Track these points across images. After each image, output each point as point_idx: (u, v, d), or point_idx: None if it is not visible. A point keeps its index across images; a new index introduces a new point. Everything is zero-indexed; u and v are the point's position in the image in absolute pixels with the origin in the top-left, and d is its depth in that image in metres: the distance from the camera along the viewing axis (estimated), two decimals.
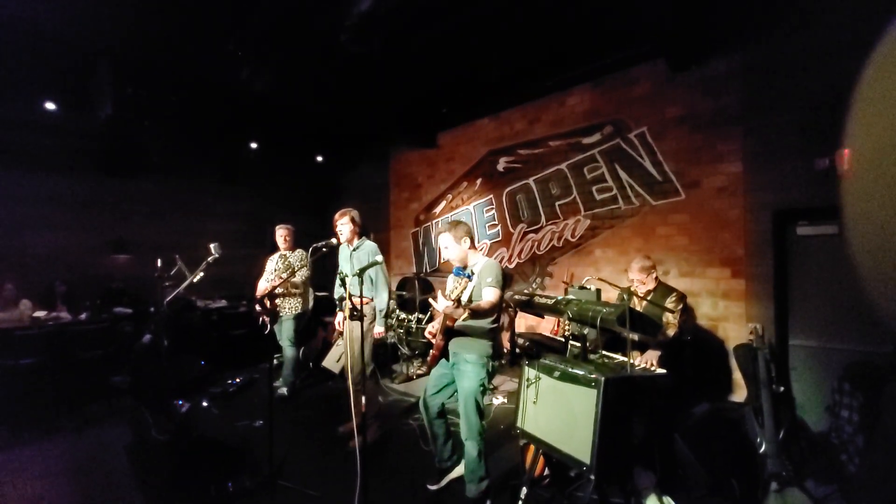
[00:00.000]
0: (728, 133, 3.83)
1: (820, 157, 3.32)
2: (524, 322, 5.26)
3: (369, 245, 3.41)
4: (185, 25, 3.66)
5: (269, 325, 4.21)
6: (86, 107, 4.56)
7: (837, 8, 3.25)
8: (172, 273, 4.06)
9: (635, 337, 2.97)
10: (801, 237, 3.54)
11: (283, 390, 4.35)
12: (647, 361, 2.87)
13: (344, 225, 3.39)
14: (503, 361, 5.26)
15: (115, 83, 4.25)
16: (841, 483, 2.57)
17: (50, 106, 4.76)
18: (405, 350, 5.16)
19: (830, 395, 2.97)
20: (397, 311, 5.30)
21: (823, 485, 2.58)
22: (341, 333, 3.88)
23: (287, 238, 4.38)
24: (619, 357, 2.63)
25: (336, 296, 3.68)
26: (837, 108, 3.03)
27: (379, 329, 3.37)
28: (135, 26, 3.63)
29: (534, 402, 2.33)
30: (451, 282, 2.28)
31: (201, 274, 3.80)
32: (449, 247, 2.49)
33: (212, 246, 3.75)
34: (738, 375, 3.63)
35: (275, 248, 4.45)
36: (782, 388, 2.98)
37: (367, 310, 3.39)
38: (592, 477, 1.93)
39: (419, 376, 4.92)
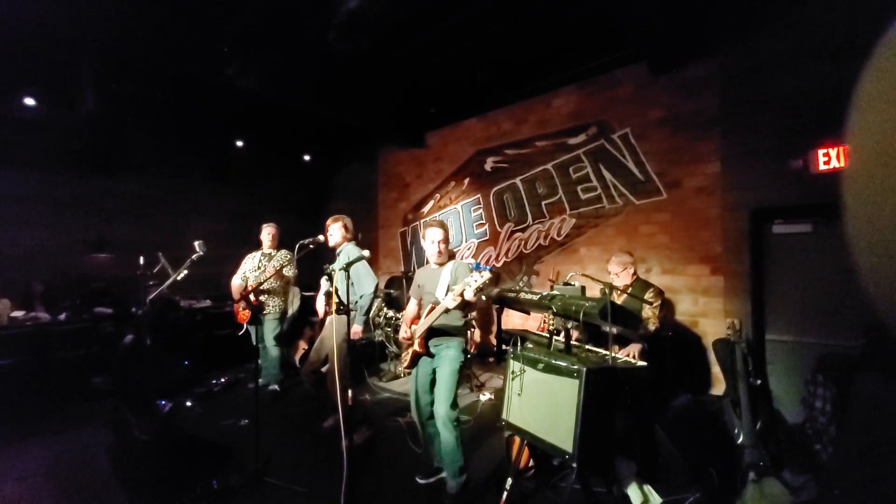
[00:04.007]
0: (707, 134, 3.95)
1: (794, 157, 3.45)
2: (511, 320, 5.31)
3: (348, 248, 3.37)
4: (171, 19, 3.62)
5: (245, 326, 4.21)
6: (67, 102, 4.47)
7: (811, 14, 3.39)
8: (156, 271, 4.00)
9: (615, 330, 3.04)
10: (777, 235, 3.66)
11: (275, 386, 4.35)
12: (629, 354, 2.94)
13: (335, 231, 3.39)
14: (490, 359, 5.29)
15: (97, 78, 4.19)
16: (815, 471, 2.66)
17: (30, 101, 4.66)
18: (393, 348, 5.16)
19: (805, 388, 3.07)
20: (385, 309, 5.31)
21: (799, 474, 2.66)
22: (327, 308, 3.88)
23: (274, 237, 4.43)
24: (603, 351, 2.69)
25: (322, 290, 3.65)
26: (811, 111, 3.15)
27: (357, 327, 3.21)
28: (118, 19, 3.58)
29: (518, 395, 2.37)
30: (474, 275, 2.32)
31: (185, 272, 3.76)
32: (444, 240, 2.65)
33: (196, 243, 3.71)
34: (717, 369, 3.73)
35: (259, 247, 4.46)
36: (759, 381, 3.07)
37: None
38: (575, 465, 1.97)
39: (406, 374, 4.93)
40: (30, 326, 4.27)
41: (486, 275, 2.25)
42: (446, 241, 2.68)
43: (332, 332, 2.83)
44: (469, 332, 2.70)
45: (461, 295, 2.31)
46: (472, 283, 2.25)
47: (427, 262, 2.82)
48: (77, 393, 4.15)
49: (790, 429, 3.18)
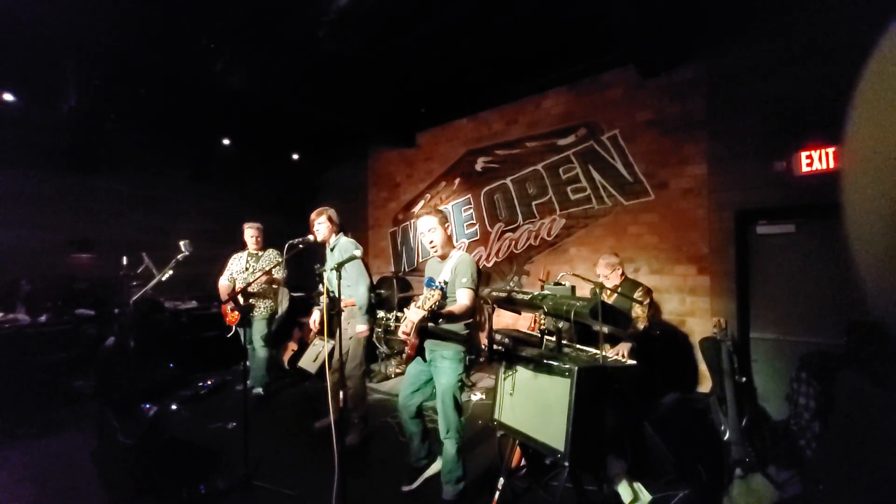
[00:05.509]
0: (693, 137, 4.01)
1: (778, 159, 3.53)
2: (502, 320, 5.32)
3: (344, 242, 3.31)
4: (156, 14, 3.55)
5: (234, 328, 4.12)
6: (49, 99, 4.36)
7: (796, 19, 3.47)
8: (139, 272, 3.92)
9: (606, 329, 3.07)
10: (761, 236, 3.74)
11: (259, 390, 4.27)
12: (619, 353, 2.96)
13: (321, 224, 3.33)
14: (481, 359, 5.30)
15: (79, 74, 4.08)
16: (800, 467, 2.72)
17: (9, 97, 4.52)
18: (383, 349, 5.14)
19: (789, 385, 3.12)
20: (375, 309, 5.28)
21: (784, 469, 2.71)
22: (318, 333, 3.83)
23: (258, 238, 4.31)
24: (593, 350, 2.71)
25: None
26: (794, 114, 3.22)
27: (361, 327, 3.17)
28: (102, 13, 3.50)
29: (510, 394, 2.37)
30: (426, 291, 2.20)
31: (170, 272, 3.69)
32: (434, 229, 2.46)
33: (182, 243, 3.65)
34: (703, 367, 3.79)
35: (245, 247, 4.36)
36: (744, 379, 3.13)
37: (350, 311, 3.27)
38: (567, 464, 1.98)
39: (397, 375, 4.92)
40: (8, 328, 4.14)
41: (436, 293, 2.08)
42: (441, 229, 2.46)
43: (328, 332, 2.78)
44: (471, 337, 2.47)
45: (425, 309, 2.11)
46: (427, 300, 2.09)
47: None
48: (59, 397, 4.04)
49: (775, 425, 3.24)
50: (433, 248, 2.49)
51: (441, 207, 6.22)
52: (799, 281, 3.52)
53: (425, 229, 2.47)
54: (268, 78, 4.35)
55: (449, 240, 2.53)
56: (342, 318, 2.72)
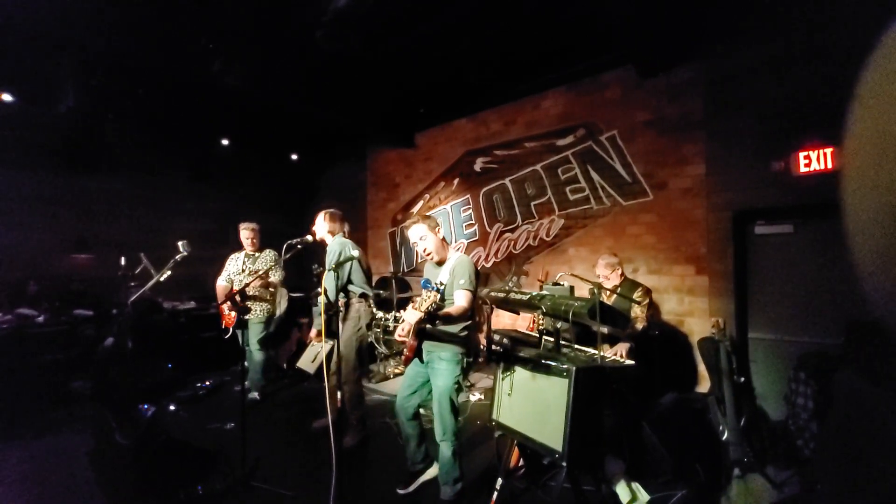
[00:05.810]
0: (692, 137, 4.01)
1: (776, 160, 3.53)
2: (500, 320, 5.32)
3: (332, 245, 3.27)
4: (154, 14, 3.54)
5: (231, 330, 4.09)
6: (48, 98, 4.35)
7: (791, 21, 3.48)
8: (138, 272, 3.91)
9: (605, 330, 3.07)
10: (759, 236, 3.74)
11: (255, 394, 4.24)
12: (617, 353, 2.96)
13: (318, 224, 3.34)
14: (480, 359, 5.30)
15: (78, 74, 4.07)
16: (798, 467, 2.72)
17: (7, 98, 4.52)
18: (382, 349, 5.14)
19: (787, 385, 3.13)
20: (374, 310, 5.28)
21: (782, 469, 2.71)
22: (318, 333, 3.82)
23: (253, 238, 4.23)
24: (591, 350, 2.71)
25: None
26: (792, 114, 3.22)
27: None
28: (100, 14, 3.49)
29: (508, 394, 2.37)
30: (423, 293, 2.18)
31: (168, 273, 3.68)
32: (425, 237, 2.43)
33: (180, 243, 3.63)
34: (702, 367, 3.80)
35: (242, 247, 4.30)
36: (743, 379, 3.13)
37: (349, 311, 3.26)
38: (565, 464, 1.98)
39: (396, 375, 4.91)
40: (6, 328, 4.14)
41: (433, 295, 2.07)
42: (432, 235, 2.43)
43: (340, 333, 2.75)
44: (469, 339, 2.44)
45: (422, 310, 2.09)
46: (424, 302, 2.08)
47: None
48: (57, 397, 4.03)
49: (773, 425, 3.24)
50: (428, 255, 2.47)
51: (440, 207, 6.23)
52: (797, 281, 3.53)
53: (416, 238, 2.45)
54: (267, 78, 4.35)
55: (443, 243, 2.50)
56: (340, 318, 2.72)
